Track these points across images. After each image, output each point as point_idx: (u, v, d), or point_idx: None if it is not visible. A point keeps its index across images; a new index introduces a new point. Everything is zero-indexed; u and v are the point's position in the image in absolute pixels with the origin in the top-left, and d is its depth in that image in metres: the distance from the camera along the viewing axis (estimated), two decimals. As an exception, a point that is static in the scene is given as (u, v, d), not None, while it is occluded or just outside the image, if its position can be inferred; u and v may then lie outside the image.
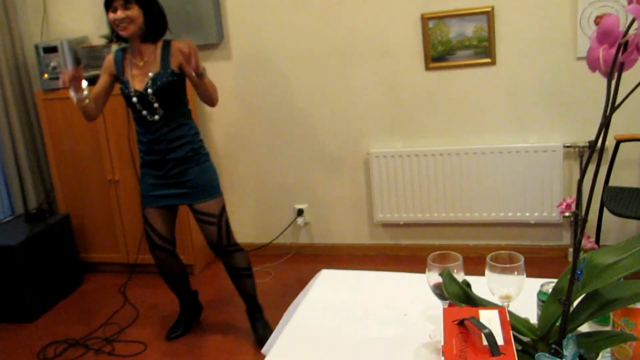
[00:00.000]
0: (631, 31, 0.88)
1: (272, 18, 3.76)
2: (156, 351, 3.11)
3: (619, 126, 3.37)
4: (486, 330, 0.94)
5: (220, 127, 4.02)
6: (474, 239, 3.75)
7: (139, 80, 2.81)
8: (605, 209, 3.14)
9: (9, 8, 3.92)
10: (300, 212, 4.00)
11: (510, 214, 3.59)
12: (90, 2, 4.01)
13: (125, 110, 3.66)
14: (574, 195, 1.01)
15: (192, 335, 3.22)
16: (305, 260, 4.00)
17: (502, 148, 3.53)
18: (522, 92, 3.51)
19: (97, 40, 3.96)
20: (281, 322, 1.65)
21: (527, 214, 3.56)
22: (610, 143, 3.36)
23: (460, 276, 1.35)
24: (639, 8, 0.84)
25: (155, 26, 2.80)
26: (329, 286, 1.73)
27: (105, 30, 3.93)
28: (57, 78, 3.79)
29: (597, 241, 3.36)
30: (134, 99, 2.80)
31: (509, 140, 3.56)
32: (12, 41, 3.95)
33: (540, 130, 3.52)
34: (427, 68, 3.58)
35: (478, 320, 0.98)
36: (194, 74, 2.65)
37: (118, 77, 2.88)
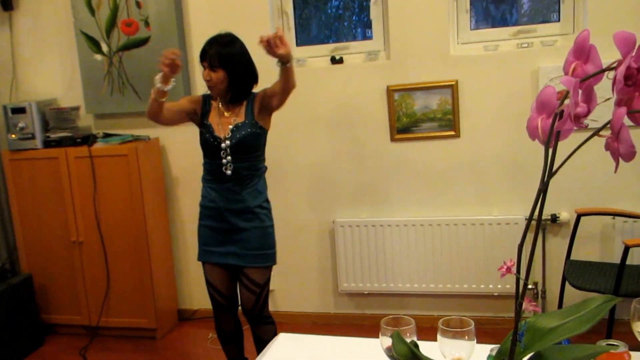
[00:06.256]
0: (566, 102, 0.96)
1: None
2: None
3: (580, 200, 3.61)
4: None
5: (188, 192, 4.19)
6: (438, 310, 3.94)
7: (223, 128, 2.95)
8: (567, 282, 3.33)
9: (-22, 68, 4.16)
10: (264, 279, 4.18)
11: (474, 286, 3.81)
12: (59, 64, 4.26)
13: (92, 173, 3.87)
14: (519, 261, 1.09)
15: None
16: (269, 327, 4.17)
17: (465, 220, 3.75)
18: (485, 164, 3.74)
19: (66, 102, 4.20)
20: None
21: (491, 286, 3.78)
22: (571, 217, 3.60)
23: (411, 339, 1.42)
24: (571, 80, 0.94)
25: (240, 89, 2.95)
26: (286, 350, 1.91)
27: (74, 93, 4.23)
28: (26, 138, 4.03)
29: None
30: (214, 146, 2.93)
31: (472, 212, 3.78)
32: (-20, 101, 4.18)
33: (503, 202, 3.75)
34: (393, 139, 3.81)
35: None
36: (278, 61, 2.77)
37: (201, 119, 3.01)
